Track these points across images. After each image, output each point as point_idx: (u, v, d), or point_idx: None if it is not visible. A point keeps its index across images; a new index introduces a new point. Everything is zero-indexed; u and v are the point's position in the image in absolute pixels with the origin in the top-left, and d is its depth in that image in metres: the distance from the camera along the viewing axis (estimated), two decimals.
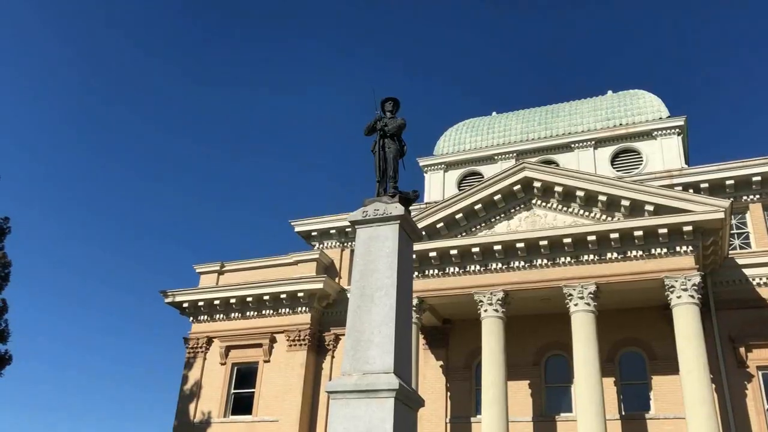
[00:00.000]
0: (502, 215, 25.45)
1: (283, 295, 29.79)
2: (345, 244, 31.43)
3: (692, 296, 22.06)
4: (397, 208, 11.23)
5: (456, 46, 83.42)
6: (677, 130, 29.06)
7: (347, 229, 30.97)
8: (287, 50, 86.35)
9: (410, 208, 11.99)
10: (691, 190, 25.97)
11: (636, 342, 25.19)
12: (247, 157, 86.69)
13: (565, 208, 24.64)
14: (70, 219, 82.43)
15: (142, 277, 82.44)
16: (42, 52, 79.36)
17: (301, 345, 29.17)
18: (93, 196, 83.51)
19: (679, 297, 22.17)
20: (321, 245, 31.93)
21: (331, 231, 31.60)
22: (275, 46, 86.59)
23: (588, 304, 23.06)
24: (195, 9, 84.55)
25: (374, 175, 12.14)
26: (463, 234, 25.60)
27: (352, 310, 10.78)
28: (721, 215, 21.93)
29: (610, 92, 32.88)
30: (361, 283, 10.89)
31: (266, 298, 30.07)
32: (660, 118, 29.60)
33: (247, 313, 30.70)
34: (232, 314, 30.94)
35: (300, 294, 29.54)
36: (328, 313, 30.12)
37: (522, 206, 25.32)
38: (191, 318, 31.75)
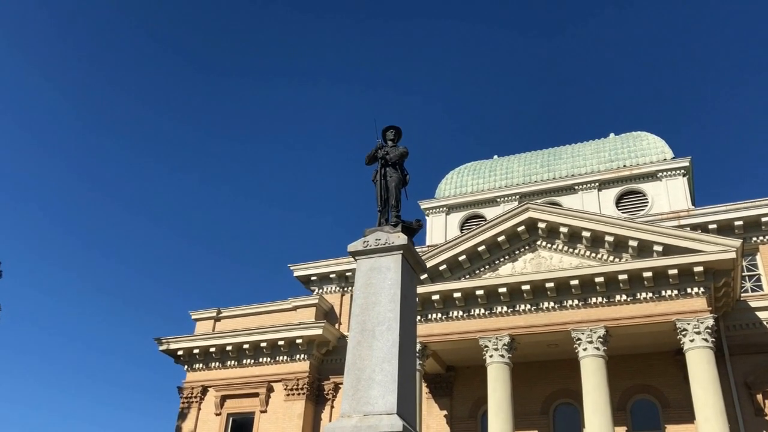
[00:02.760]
0: (507, 257, 24.79)
1: (281, 342, 28.88)
2: (345, 289, 30.68)
3: (706, 339, 21.23)
4: (399, 238, 10.62)
5: (455, 90, 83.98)
6: (682, 171, 28.67)
7: (347, 274, 30.26)
8: (284, 96, 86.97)
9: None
10: (699, 231, 25.36)
11: (648, 389, 24.19)
12: (245, 201, 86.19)
13: (571, 250, 24.01)
14: (64, 261, 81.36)
15: (137, 323, 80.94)
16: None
17: (299, 394, 28.11)
18: (86, 239, 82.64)
19: (692, 340, 21.34)
20: (320, 290, 31.18)
21: (331, 275, 30.89)
22: (274, 93, 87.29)
23: (597, 349, 22.19)
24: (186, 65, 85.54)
25: (375, 206, 11.58)
26: (467, 276, 24.90)
27: (352, 346, 10.06)
28: (733, 255, 21.28)
29: (612, 134, 32.65)
30: (362, 317, 10.20)
31: (263, 345, 29.14)
32: (664, 159, 29.25)
33: (244, 361, 29.73)
34: (228, 362, 29.97)
35: (298, 341, 28.63)
36: (328, 360, 29.15)
37: (527, 248, 24.69)
38: (186, 366, 30.75)
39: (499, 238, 24.58)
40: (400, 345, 9.78)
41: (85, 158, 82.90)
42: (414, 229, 11.05)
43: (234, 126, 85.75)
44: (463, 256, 24.82)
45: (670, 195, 28.18)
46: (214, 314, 31.34)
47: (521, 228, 24.40)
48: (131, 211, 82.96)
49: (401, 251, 10.58)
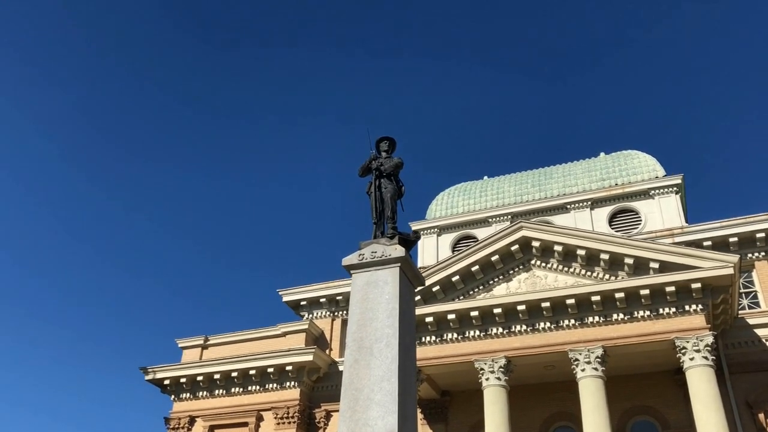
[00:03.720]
0: (501, 277, 24.33)
1: (270, 369, 28.10)
2: (336, 314, 30.04)
3: (706, 358, 20.78)
4: (396, 250, 10.14)
5: (445, 112, 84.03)
6: (675, 188, 28.49)
7: (338, 298, 29.66)
8: (274, 126, 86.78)
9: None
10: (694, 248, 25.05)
11: (647, 410, 23.64)
12: (232, 225, 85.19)
13: (565, 269, 23.60)
14: (49, 286, 79.78)
15: (122, 352, 79.20)
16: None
17: (289, 423, 27.26)
18: (71, 264, 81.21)
19: (691, 359, 20.89)
20: (310, 315, 30.50)
21: (321, 300, 30.25)
22: (262, 125, 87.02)
23: (595, 369, 21.68)
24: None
25: (369, 226, 11.11)
26: (461, 297, 24.39)
27: (349, 364, 9.51)
28: (731, 270, 20.95)
29: (602, 154, 32.51)
30: (359, 334, 9.66)
31: (252, 372, 28.35)
32: (656, 177, 29.08)
33: (233, 390, 28.88)
34: (217, 391, 29.10)
35: (288, 368, 27.87)
36: (319, 387, 28.37)
37: (521, 267, 24.25)
38: (173, 396, 29.84)
39: (493, 258, 24.14)
40: (399, 362, 9.25)
41: (70, 187, 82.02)
42: (411, 241, 10.58)
43: (220, 152, 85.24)
44: (457, 277, 24.33)
45: (663, 212, 27.94)
46: (202, 342, 30.55)
47: (515, 247, 23.99)
48: (117, 237, 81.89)
49: (399, 264, 10.10)
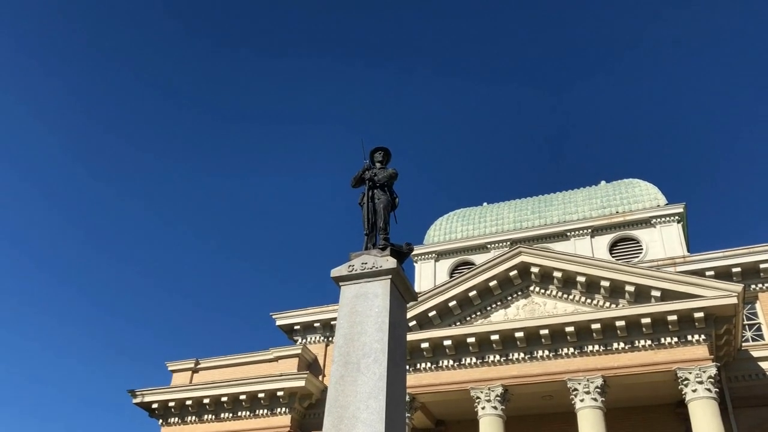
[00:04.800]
0: (499, 303, 23.78)
1: (262, 395, 27.35)
2: (330, 339, 29.39)
3: (709, 390, 20.14)
4: (388, 261, 9.68)
5: (443, 138, 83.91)
6: (677, 217, 28.07)
7: (332, 322, 29.01)
8: (279, 140, 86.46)
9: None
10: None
11: None
12: (226, 248, 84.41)
13: (565, 295, 23.07)
14: (36, 306, 78.76)
15: (111, 374, 77.81)
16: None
17: None
18: (59, 285, 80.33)
19: (694, 391, 20.25)
20: (304, 340, 29.85)
21: (315, 324, 29.62)
22: (260, 139, 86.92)
23: (595, 400, 21.02)
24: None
25: (362, 230, 10.66)
26: (458, 323, 23.80)
27: (334, 381, 8.98)
28: (735, 300, 20.42)
29: (603, 182, 32.19)
30: (345, 349, 9.15)
31: (243, 397, 27.58)
32: (657, 206, 28.70)
33: (222, 415, 28.09)
34: (206, 416, 28.31)
35: (279, 393, 27.14)
36: (311, 414, 27.59)
37: (519, 293, 23.72)
38: (161, 420, 29.03)
39: (491, 283, 23.62)
40: (388, 379, 8.73)
41: (69, 203, 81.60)
42: (404, 253, 10.11)
43: (213, 175, 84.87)
44: (454, 302, 23.78)
45: (665, 241, 27.48)
46: (192, 365, 29.85)
47: (514, 272, 23.49)
48: (108, 257, 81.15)
49: (390, 276, 9.62)
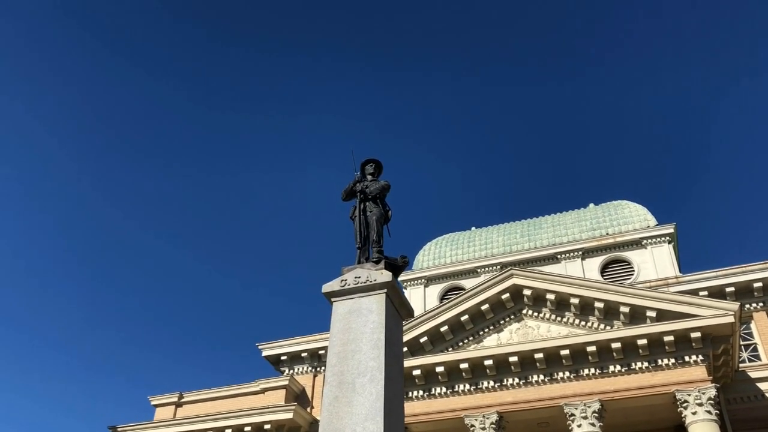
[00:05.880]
0: (491, 327, 23.24)
1: (248, 428, 26.45)
2: (318, 369, 28.60)
3: (709, 412, 19.65)
4: (383, 275, 9.17)
5: (430, 164, 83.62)
6: (667, 238, 27.84)
7: (320, 352, 28.29)
8: (252, 176, 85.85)
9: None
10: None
11: None
12: (210, 275, 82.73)
13: (559, 318, 22.59)
14: (13, 341, 76.56)
15: (91, 409, 75.46)
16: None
17: None
18: (36, 317, 78.21)
19: (694, 413, 19.73)
20: (291, 371, 29.03)
21: (303, 354, 28.85)
22: (241, 173, 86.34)
23: (592, 425, 20.42)
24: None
25: (353, 245, 10.16)
26: (450, 349, 23.19)
27: (328, 402, 8.39)
28: (731, 319, 20.04)
29: (591, 204, 32.00)
30: (339, 368, 8.58)
31: (228, 431, 26.65)
32: (648, 227, 28.47)
33: None
34: None
35: (267, 426, 26.26)
36: None
37: (512, 317, 23.20)
38: None
39: (483, 307, 23.11)
40: (385, 399, 8.16)
41: (48, 229, 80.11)
42: (399, 267, 9.62)
43: (199, 198, 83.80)
44: (445, 327, 23.21)
45: (656, 262, 27.19)
46: (176, 399, 28.94)
47: (506, 295, 23.01)
48: (88, 287, 79.43)
49: (385, 290, 9.11)
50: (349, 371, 8.51)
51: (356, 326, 8.88)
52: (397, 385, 8.82)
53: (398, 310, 9.56)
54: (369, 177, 10.91)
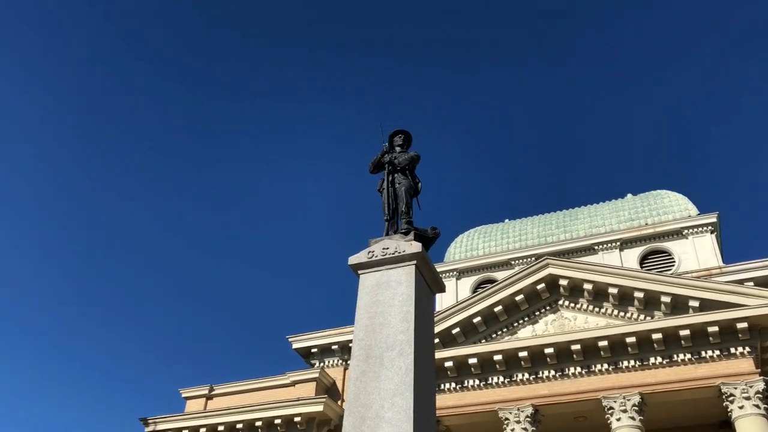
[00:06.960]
0: (526, 318, 22.58)
1: (278, 421, 26.18)
2: (348, 362, 28.18)
3: (757, 406, 18.76)
4: (412, 246, 8.70)
5: (463, 154, 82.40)
6: (710, 227, 26.83)
7: (350, 344, 27.85)
8: (280, 168, 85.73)
9: None
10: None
11: None
12: (240, 269, 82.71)
13: (596, 309, 21.83)
14: (47, 334, 77.70)
15: (123, 401, 76.01)
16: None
17: None
18: (70, 310, 79.12)
19: (741, 407, 18.85)
20: (322, 363, 28.68)
21: (333, 347, 28.47)
22: (271, 170, 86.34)
23: (632, 419, 19.67)
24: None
25: (381, 216, 9.69)
26: (483, 341, 22.59)
27: (355, 377, 7.95)
28: None
29: (629, 195, 31.03)
30: (367, 342, 8.14)
31: (259, 424, 26.43)
32: (689, 216, 27.48)
33: None
34: None
35: (297, 419, 25.95)
36: None
37: (547, 308, 22.51)
38: None
39: (517, 298, 22.46)
40: (415, 374, 7.68)
41: (77, 223, 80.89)
42: (429, 238, 9.13)
43: (225, 195, 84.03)
44: (478, 318, 22.61)
45: (698, 253, 26.21)
46: (206, 391, 28.83)
47: (541, 286, 22.32)
48: (120, 282, 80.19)
49: (414, 261, 8.63)
50: (377, 345, 8.06)
51: (384, 299, 8.43)
52: (428, 360, 8.34)
53: (429, 284, 9.06)
54: (398, 149, 10.44)
